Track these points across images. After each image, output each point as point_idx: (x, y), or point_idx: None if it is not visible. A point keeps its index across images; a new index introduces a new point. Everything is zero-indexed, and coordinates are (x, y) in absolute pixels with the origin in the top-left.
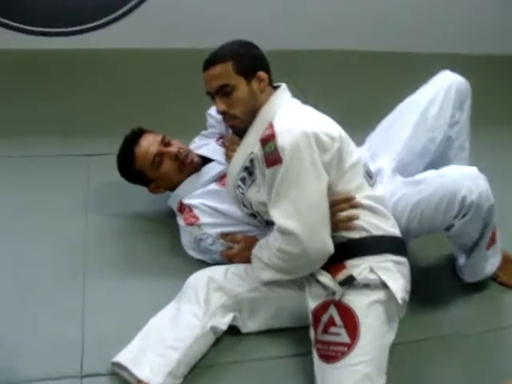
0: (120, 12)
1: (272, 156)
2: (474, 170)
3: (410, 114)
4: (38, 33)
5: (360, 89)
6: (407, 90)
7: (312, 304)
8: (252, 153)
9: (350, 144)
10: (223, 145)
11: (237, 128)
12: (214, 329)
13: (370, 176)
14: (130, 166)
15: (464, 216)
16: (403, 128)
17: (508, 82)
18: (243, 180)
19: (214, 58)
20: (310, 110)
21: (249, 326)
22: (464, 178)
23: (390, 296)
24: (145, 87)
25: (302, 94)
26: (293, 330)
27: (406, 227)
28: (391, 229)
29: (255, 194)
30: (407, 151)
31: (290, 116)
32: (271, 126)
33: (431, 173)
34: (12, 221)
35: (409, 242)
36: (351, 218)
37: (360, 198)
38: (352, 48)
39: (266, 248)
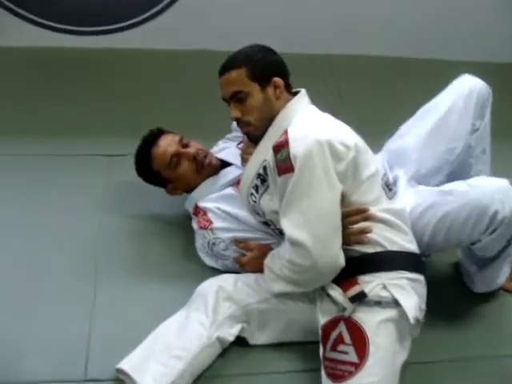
0: (150, 12)
1: (284, 164)
2: (505, 182)
3: (429, 121)
4: (66, 31)
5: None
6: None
7: (322, 319)
8: (265, 160)
9: (367, 154)
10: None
11: (251, 135)
12: (220, 339)
13: (389, 188)
14: (147, 166)
15: (493, 232)
16: (420, 136)
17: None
18: (256, 188)
19: (229, 64)
20: (326, 118)
21: (257, 338)
22: (495, 191)
23: (403, 314)
24: (172, 88)
25: (338, 96)
26: (303, 344)
27: (431, 239)
28: (408, 244)
29: (268, 203)
30: (424, 161)
31: (305, 123)
32: (285, 132)
33: (460, 184)
34: (26, 220)
35: (431, 255)
36: (363, 231)
37: (376, 210)
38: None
39: (278, 259)
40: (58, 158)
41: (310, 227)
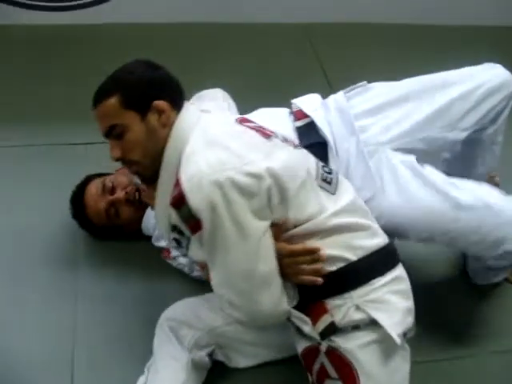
0: None
1: (191, 221)
2: None
3: (435, 97)
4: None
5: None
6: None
7: (299, 347)
8: (171, 219)
9: (290, 163)
10: None
11: (142, 175)
12: (197, 364)
13: (327, 181)
14: (95, 228)
15: (499, 259)
16: (419, 110)
17: None
18: (178, 242)
19: (100, 92)
20: (222, 136)
21: (237, 361)
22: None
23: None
24: None
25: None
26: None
27: (425, 239)
28: (373, 241)
29: (197, 252)
30: (415, 136)
31: (197, 157)
32: (178, 181)
33: (477, 198)
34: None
35: None
36: (316, 273)
37: (325, 219)
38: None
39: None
40: (30, 148)
41: (232, 285)
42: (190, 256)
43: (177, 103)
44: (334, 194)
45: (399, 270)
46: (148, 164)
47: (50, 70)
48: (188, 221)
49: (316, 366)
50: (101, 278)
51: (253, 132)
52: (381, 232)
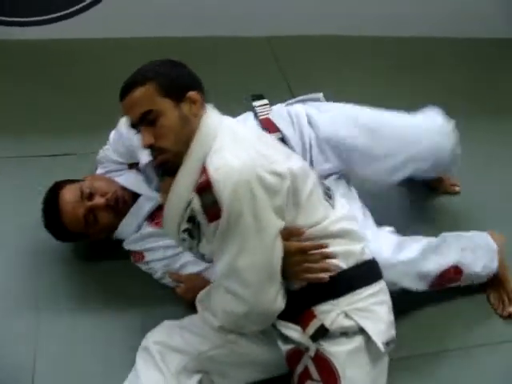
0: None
1: (212, 210)
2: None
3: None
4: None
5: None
6: None
7: (284, 348)
8: (190, 204)
9: (303, 170)
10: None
11: (170, 164)
12: None
13: (328, 195)
14: (67, 235)
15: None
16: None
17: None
18: (190, 233)
19: (132, 82)
20: (249, 135)
21: None
22: None
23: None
24: (108, 79)
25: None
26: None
27: None
28: (364, 253)
29: (206, 247)
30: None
31: (226, 152)
32: (205, 169)
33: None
34: None
35: None
36: (325, 270)
37: (328, 225)
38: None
39: (213, 299)
40: None
41: (240, 277)
42: (200, 251)
43: (203, 98)
44: (333, 208)
45: (383, 284)
46: (177, 152)
47: (13, 82)
48: (209, 208)
49: (299, 368)
50: (63, 291)
51: (270, 135)
52: (368, 248)
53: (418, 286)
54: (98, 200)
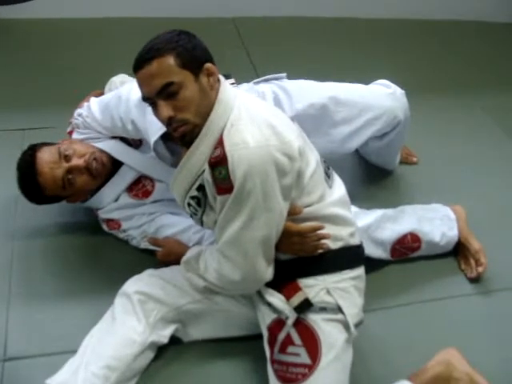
0: None
1: (223, 184)
2: None
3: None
4: None
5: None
6: None
7: (267, 319)
8: (202, 174)
9: (307, 149)
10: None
11: (189, 135)
12: (154, 344)
13: (328, 175)
14: (41, 196)
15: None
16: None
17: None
18: (197, 201)
19: (148, 54)
20: (264, 111)
21: (191, 334)
22: None
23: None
24: (80, 56)
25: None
26: (243, 340)
27: None
28: (352, 239)
29: (211, 216)
30: None
31: (243, 127)
32: (221, 143)
33: None
34: None
35: None
36: (319, 248)
37: (323, 207)
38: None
39: (203, 262)
40: None
41: (243, 248)
42: (204, 221)
43: (218, 70)
44: (330, 188)
45: (363, 270)
46: (198, 123)
47: None
48: (220, 182)
49: (282, 335)
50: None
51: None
52: (358, 233)
53: (378, 253)
54: (77, 161)
